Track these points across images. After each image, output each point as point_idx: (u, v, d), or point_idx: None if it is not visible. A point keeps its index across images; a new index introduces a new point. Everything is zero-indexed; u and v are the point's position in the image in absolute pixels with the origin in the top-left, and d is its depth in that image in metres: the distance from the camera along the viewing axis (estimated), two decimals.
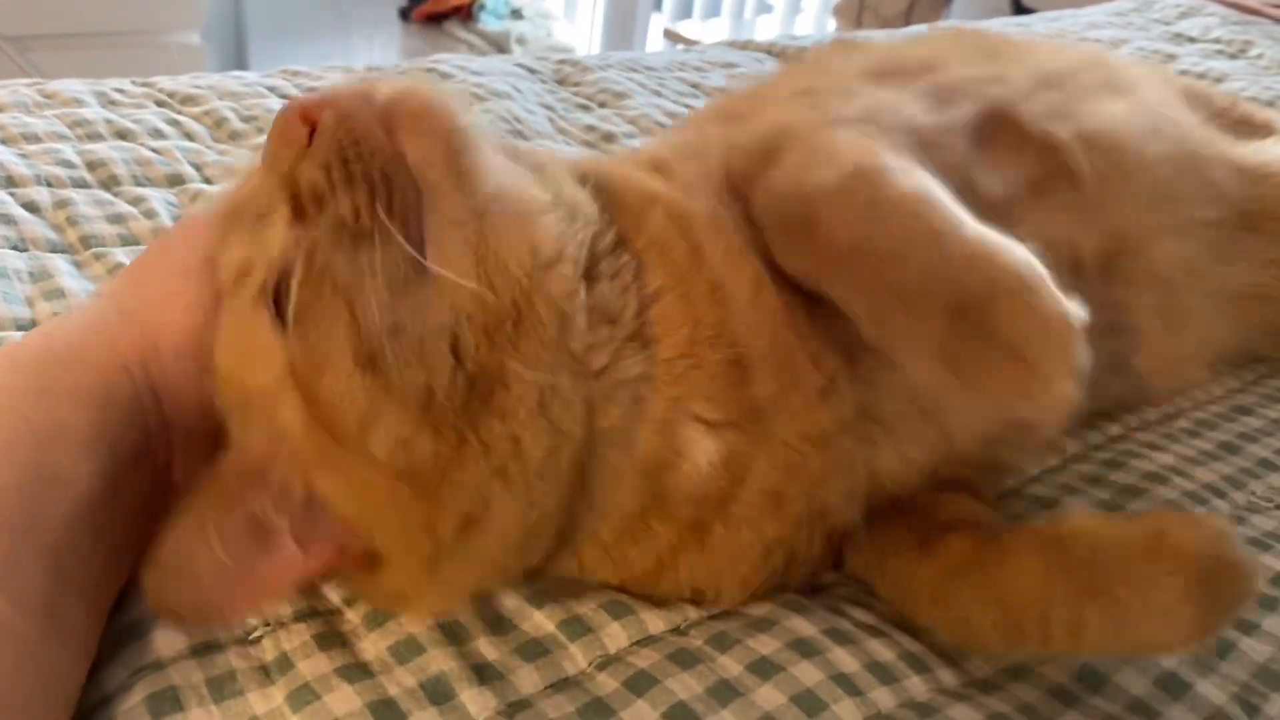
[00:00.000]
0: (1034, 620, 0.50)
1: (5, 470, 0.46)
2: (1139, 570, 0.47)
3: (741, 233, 0.54)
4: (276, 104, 1.11)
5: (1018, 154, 0.66)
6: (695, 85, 1.38)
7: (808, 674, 0.53)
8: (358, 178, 0.45)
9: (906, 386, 0.56)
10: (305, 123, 0.47)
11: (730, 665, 0.53)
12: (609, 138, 1.18)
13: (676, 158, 0.61)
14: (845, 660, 0.54)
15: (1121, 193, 0.70)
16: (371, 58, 3.77)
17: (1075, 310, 0.43)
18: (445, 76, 1.24)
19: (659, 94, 1.32)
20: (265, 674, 0.51)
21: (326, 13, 3.65)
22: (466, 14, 3.72)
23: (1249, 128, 0.93)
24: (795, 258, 0.52)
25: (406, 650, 0.53)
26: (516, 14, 3.76)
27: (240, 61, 3.39)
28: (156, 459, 0.52)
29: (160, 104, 1.10)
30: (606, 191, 0.56)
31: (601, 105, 1.28)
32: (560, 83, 1.34)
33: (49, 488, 0.47)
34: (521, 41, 3.67)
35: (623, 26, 3.74)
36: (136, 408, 0.51)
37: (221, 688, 0.50)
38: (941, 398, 0.48)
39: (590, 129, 1.19)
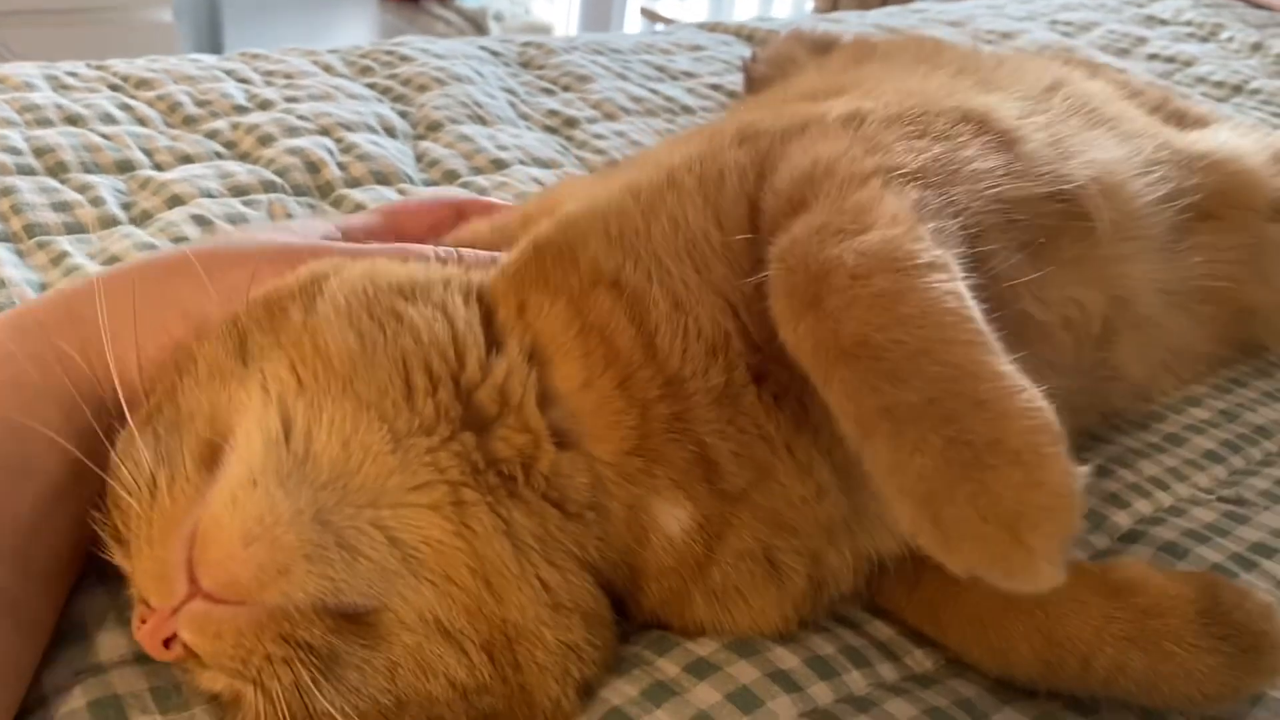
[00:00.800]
0: (1076, 658, 0.51)
1: None
2: (1191, 631, 0.49)
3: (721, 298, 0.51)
4: (234, 88, 1.10)
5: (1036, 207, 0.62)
6: (661, 69, 1.36)
7: (745, 672, 0.53)
8: None
9: None
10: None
11: (668, 667, 0.53)
12: (571, 122, 1.17)
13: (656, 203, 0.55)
14: (785, 657, 0.54)
15: (1126, 242, 0.68)
16: (349, 36, 3.74)
17: (1079, 485, 0.39)
18: (407, 59, 1.23)
19: (624, 77, 1.31)
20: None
21: None
22: None
23: (1186, 121, 0.93)
24: (794, 332, 0.46)
25: None
26: None
27: (215, 39, 3.36)
28: None
29: (114, 88, 1.08)
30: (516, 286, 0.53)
31: (565, 89, 1.26)
32: (524, 65, 1.33)
33: (22, 480, 0.48)
34: (499, 18, 3.64)
35: (600, 4, 3.71)
36: (102, 408, 0.52)
37: (166, 699, 0.49)
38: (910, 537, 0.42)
39: (553, 113, 1.18)
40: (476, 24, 3.58)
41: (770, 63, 1.17)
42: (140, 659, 0.50)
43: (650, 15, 3.20)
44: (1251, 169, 0.85)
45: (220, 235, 0.80)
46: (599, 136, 1.14)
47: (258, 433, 0.44)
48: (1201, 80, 1.61)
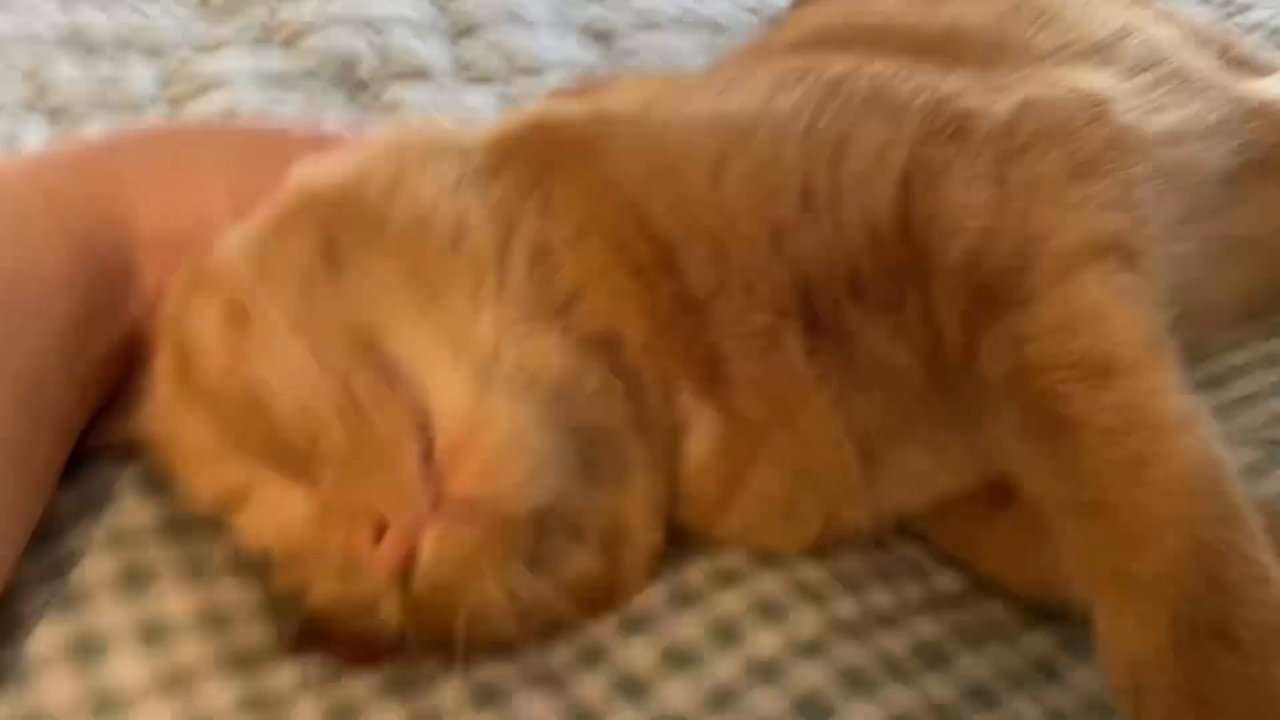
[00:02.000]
0: None
1: None
2: None
3: None
4: None
5: None
6: None
7: (769, 582, 0.53)
8: None
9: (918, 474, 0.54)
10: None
11: (692, 574, 0.53)
12: (608, 34, 1.14)
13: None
14: (810, 570, 0.54)
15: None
16: None
17: None
18: None
19: None
20: (237, 563, 0.49)
21: None
22: None
23: (1249, 70, 0.90)
24: (1032, 478, 0.45)
25: None
26: None
27: None
28: (129, 311, 0.52)
29: None
30: None
31: None
32: None
33: (21, 321, 0.47)
34: None
35: None
36: (114, 256, 0.52)
37: (194, 568, 0.49)
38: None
39: (593, 22, 1.15)
40: None
41: None
42: (168, 528, 0.50)
43: None
44: None
45: (249, 117, 0.79)
46: (633, 51, 1.11)
47: (462, 346, 0.44)
48: (1258, 26, 1.56)
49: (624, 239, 0.50)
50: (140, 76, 0.86)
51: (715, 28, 1.21)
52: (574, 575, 0.47)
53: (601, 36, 1.13)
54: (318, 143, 0.55)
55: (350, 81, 0.93)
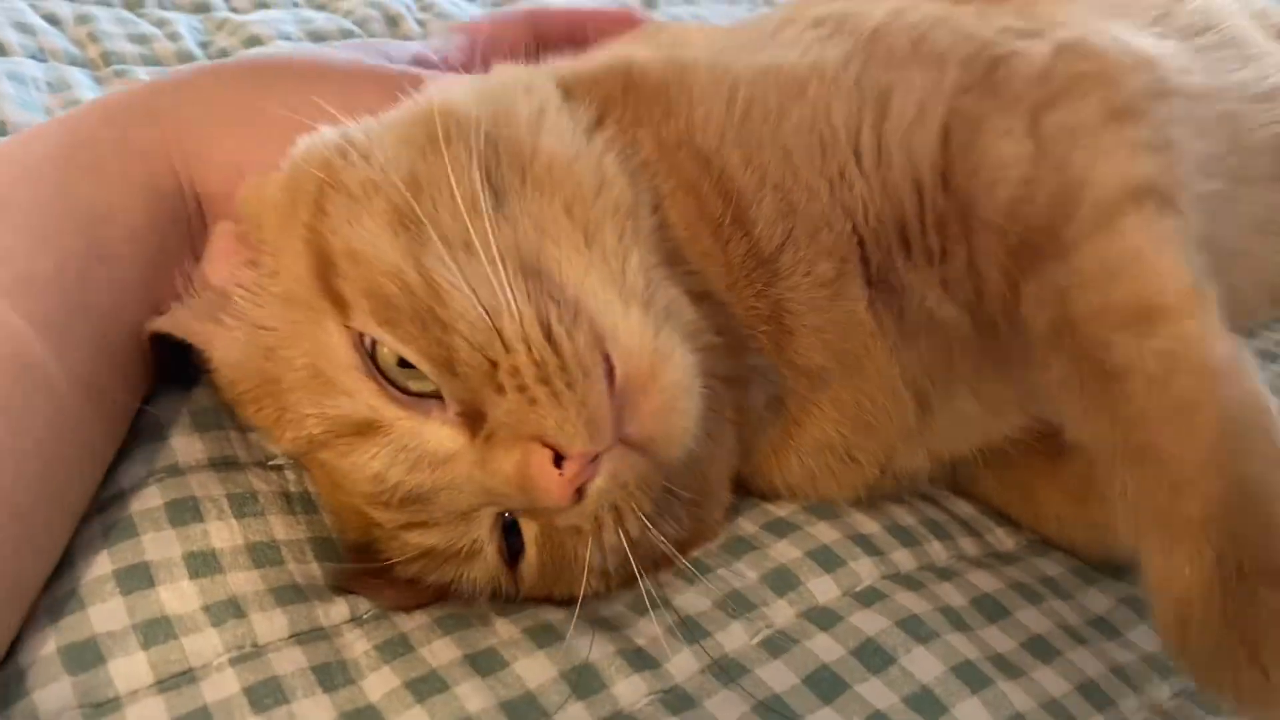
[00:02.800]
0: None
1: (59, 245, 0.45)
2: None
3: None
4: None
5: None
6: None
7: (825, 533, 0.52)
8: None
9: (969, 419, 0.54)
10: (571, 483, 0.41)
11: (746, 525, 0.53)
12: (650, 1, 1.13)
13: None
14: (865, 523, 0.53)
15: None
16: None
17: None
18: None
19: None
20: (287, 501, 0.50)
21: None
22: None
23: None
24: (1080, 427, 0.44)
25: None
26: None
27: None
28: (191, 261, 0.51)
29: None
30: None
31: None
32: None
33: (100, 265, 0.47)
34: None
35: None
36: (180, 204, 0.51)
37: (243, 505, 0.48)
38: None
39: None
40: None
41: None
42: (215, 465, 0.50)
43: None
44: None
45: (310, 50, 0.78)
46: (675, 18, 1.11)
47: (623, 286, 0.44)
48: None
49: (702, 195, 0.50)
50: (183, 34, 0.86)
51: None
52: (669, 529, 0.46)
53: (641, 6, 1.12)
54: (390, 79, 0.54)
55: (393, 39, 0.92)
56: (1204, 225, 0.52)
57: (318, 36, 0.89)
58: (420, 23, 0.95)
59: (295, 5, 0.95)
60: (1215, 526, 0.39)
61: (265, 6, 0.94)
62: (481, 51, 0.63)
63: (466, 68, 0.61)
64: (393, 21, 0.93)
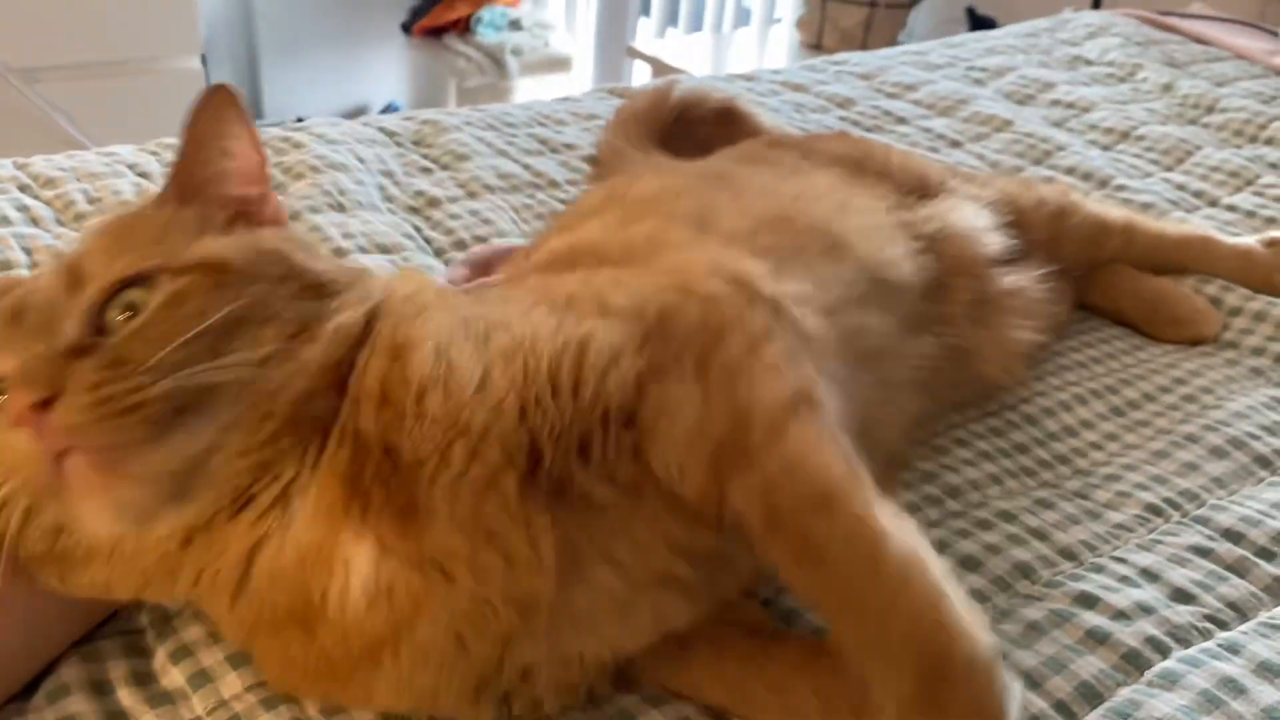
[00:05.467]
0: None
1: None
2: None
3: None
4: (125, 187, 1.24)
5: None
6: (544, 141, 1.47)
7: None
8: None
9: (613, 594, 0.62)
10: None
11: None
12: (434, 202, 1.29)
13: None
14: None
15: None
16: (376, 71, 3.93)
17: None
18: (299, 146, 1.36)
19: (504, 153, 1.42)
20: None
21: (334, 27, 3.80)
22: (465, 27, 3.84)
23: (924, 186, 1.01)
24: (796, 578, 0.58)
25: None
26: (515, 25, 3.87)
27: (253, 78, 3.57)
28: None
29: (23, 188, 1.23)
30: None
31: (444, 168, 1.39)
32: (416, 144, 1.45)
33: None
34: (517, 53, 3.78)
35: (615, 36, 3.83)
36: None
37: None
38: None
39: (419, 194, 1.30)
40: (495, 59, 3.73)
41: (604, 151, 1.27)
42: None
43: (633, 53, 3.30)
44: (970, 233, 0.95)
45: None
46: (454, 216, 1.26)
47: None
48: (1093, 127, 1.66)
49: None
50: None
51: (545, 183, 1.35)
52: None
53: (424, 208, 1.28)
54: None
55: None
56: (843, 399, 0.67)
57: None
58: None
59: None
60: (911, 644, 0.54)
61: None
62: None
63: None
64: None
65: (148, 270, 0.58)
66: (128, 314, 0.56)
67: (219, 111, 0.66)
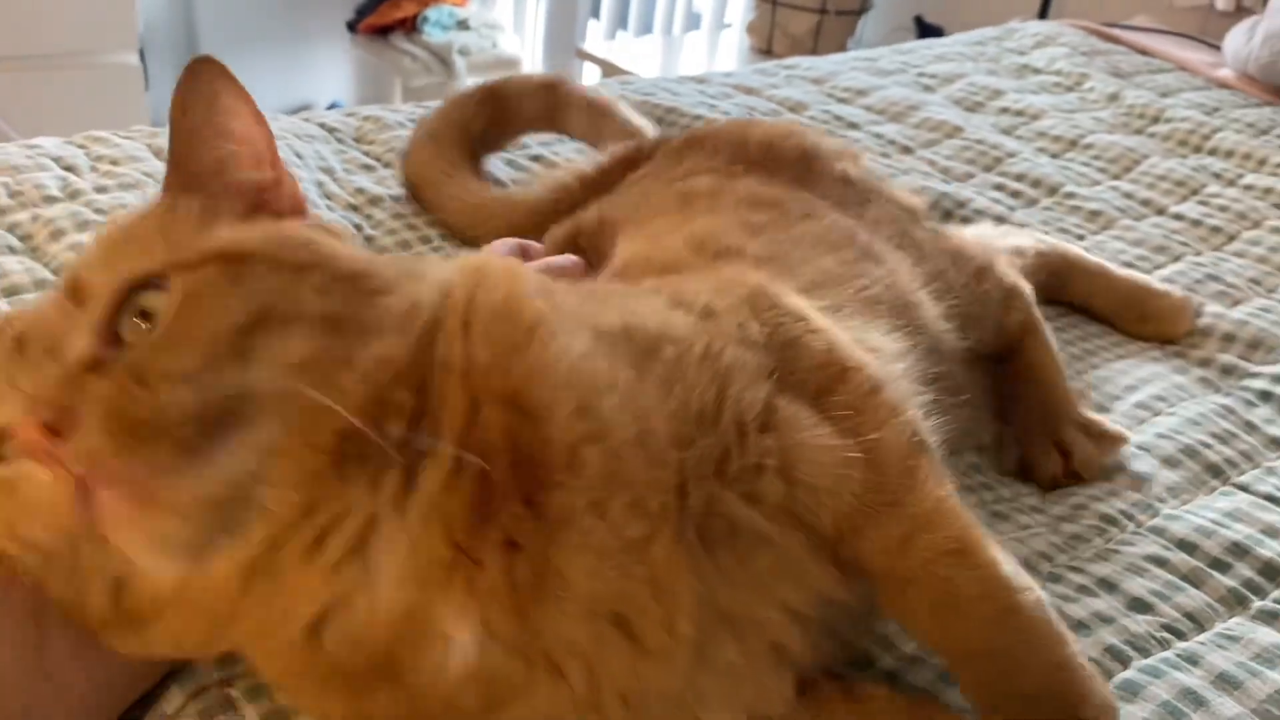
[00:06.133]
0: None
1: None
2: None
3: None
4: (51, 179, 1.19)
5: None
6: None
7: None
8: None
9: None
10: None
11: None
12: (375, 200, 1.25)
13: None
14: None
15: None
16: (320, 70, 3.87)
17: None
18: None
19: None
20: None
21: (277, 25, 3.73)
22: (411, 26, 3.79)
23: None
24: (931, 635, 0.60)
25: None
26: (463, 25, 3.83)
27: None
28: None
29: None
30: None
31: (386, 165, 1.35)
32: (358, 141, 1.41)
33: None
34: (464, 53, 3.73)
35: (564, 38, 3.81)
36: None
37: None
38: None
39: (360, 191, 1.26)
40: (442, 59, 3.68)
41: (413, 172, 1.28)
42: None
43: (583, 55, 3.28)
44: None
45: None
46: (397, 215, 1.22)
47: None
48: (1042, 134, 1.67)
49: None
50: None
51: (490, 181, 1.31)
52: None
53: (364, 206, 1.23)
54: None
55: None
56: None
57: (11, 290, 0.99)
58: None
59: (10, 252, 1.06)
60: (1041, 696, 0.58)
61: None
62: None
63: None
64: None
65: (156, 269, 0.50)
66: (144, 321, 0.48)
67: (209, 86, 0.56)
